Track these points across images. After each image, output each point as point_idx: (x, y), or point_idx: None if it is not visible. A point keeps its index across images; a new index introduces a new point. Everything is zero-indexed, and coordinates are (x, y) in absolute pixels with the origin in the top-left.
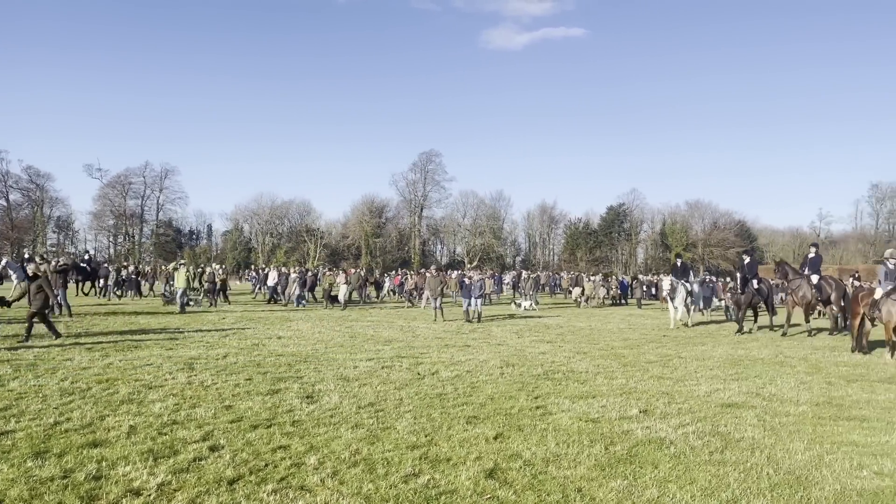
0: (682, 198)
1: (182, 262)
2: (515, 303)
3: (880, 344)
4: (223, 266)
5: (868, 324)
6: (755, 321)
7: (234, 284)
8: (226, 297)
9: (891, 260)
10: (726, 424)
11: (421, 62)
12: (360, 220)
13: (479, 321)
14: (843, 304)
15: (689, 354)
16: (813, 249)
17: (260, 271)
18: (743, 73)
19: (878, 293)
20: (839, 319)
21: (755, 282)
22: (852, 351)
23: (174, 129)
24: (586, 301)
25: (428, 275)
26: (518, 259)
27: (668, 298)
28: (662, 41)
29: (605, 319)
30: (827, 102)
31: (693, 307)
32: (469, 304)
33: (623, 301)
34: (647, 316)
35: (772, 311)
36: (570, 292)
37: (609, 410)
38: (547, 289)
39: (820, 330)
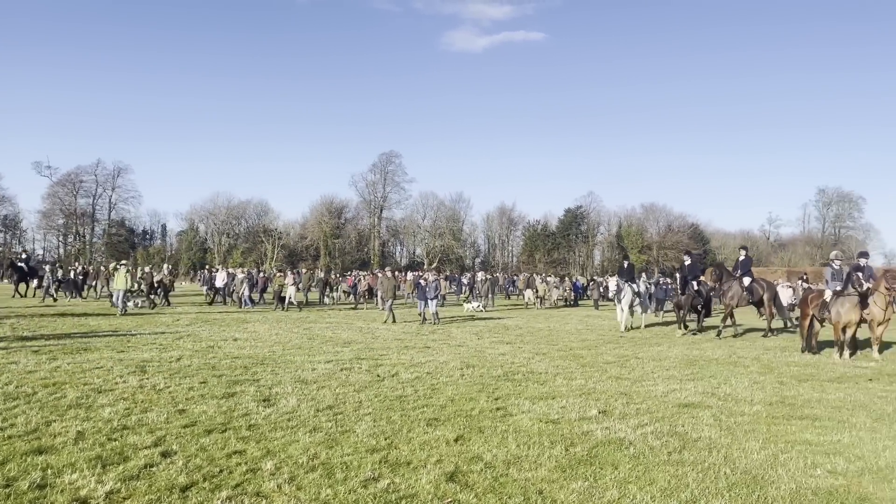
0: (637, 201)
1: (123, 262)
2: (466, 302)
3: (829, 344)
4: (170, 267)
5: (817, 324)
6: (699, 322)
7: (183, 285)
8: (152, 300)
9: (836, 262)
10: (684, 424)
11: (382, 63)
12: (318, 220)
13: (436, 322)
14: (774, 305)
15: (645, 355)
16: (743, 252)
17: (209, 272)
18: (697, 79)
19: (828, 294)
20: (772, 321)
21: (695, 283)
22: (802, 351)
23: (128, 127)
24: (539, 303)
25: (380, 276)
26: (477, 260)
27: (616, 301)
28: (619, 47)
29: (564, 321)
30: (777, 109)
31: (642, 309)
32: (424, 306)
33: (576, 302)
34: (604, 317)
35: (707, 313)
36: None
37: (569, 411)
38: (503, 290)
39: (749, 330)
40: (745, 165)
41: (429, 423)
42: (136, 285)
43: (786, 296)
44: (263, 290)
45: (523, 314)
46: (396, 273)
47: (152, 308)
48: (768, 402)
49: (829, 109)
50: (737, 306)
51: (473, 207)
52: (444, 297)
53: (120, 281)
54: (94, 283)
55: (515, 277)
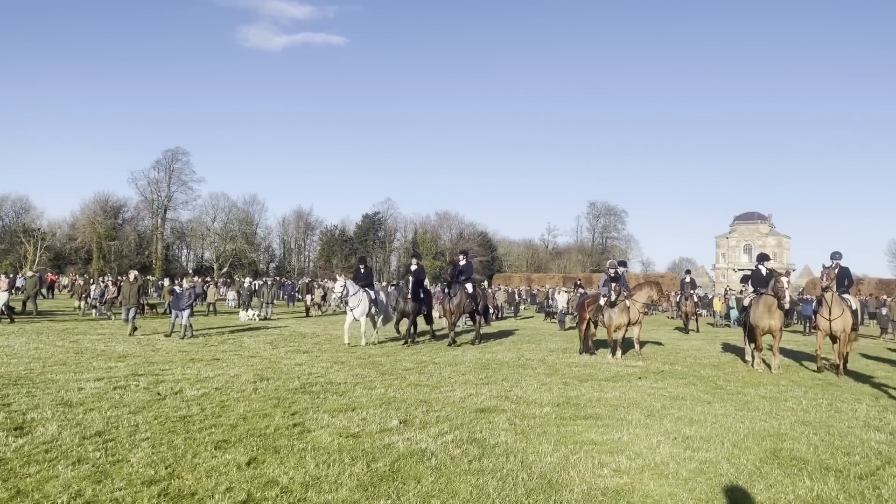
0: (432, 208)
1: None
2: (242, 312)
3: (603, 344)
4: None
5: (593, 327)
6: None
7: None
8: None
9: (611, 270)
10: (482, 430)
11: (167, 53)
12: (91, 220)
13: (187, 336)
14: (488, 310)
15: (442, 360)
16: (461, 258)
17: None
18: (484, 98)
19: (602, 300)
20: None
21: (421, 291)
22: (580, 353)
23: None
24: (318, 308)
25: (124, 282)
26: (272, 265)
27: (347, 308)
28: (418, 57)
29: None
30: (555, 130)
31: (380, 319)
32: (175, 317)
33: None
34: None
35: (430, 320)
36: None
37: (369, 423)
38: (285, 296)
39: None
40: (529, 178)
41: (217, 446)
42: None
43: (562, 301)
44: None
45: (320, 321)
46: (138, 277)
47: None
48: (556, 403)
49: (599, 133)
50: (463, 313)
51: (269, 210)
52: (212, 306)
53: None
54: None
55: (296, 283)
